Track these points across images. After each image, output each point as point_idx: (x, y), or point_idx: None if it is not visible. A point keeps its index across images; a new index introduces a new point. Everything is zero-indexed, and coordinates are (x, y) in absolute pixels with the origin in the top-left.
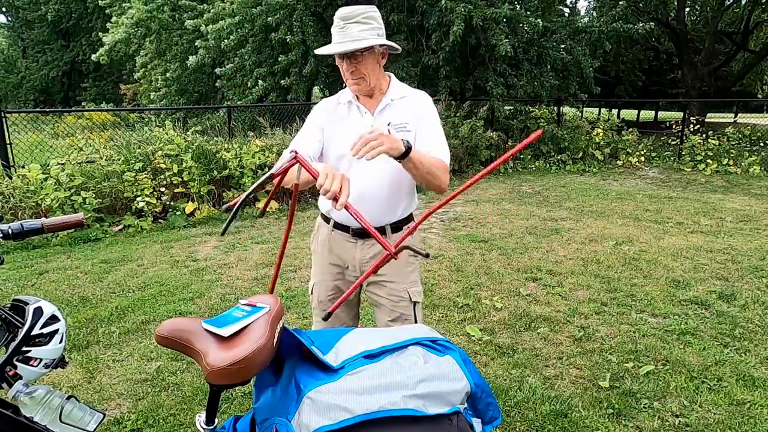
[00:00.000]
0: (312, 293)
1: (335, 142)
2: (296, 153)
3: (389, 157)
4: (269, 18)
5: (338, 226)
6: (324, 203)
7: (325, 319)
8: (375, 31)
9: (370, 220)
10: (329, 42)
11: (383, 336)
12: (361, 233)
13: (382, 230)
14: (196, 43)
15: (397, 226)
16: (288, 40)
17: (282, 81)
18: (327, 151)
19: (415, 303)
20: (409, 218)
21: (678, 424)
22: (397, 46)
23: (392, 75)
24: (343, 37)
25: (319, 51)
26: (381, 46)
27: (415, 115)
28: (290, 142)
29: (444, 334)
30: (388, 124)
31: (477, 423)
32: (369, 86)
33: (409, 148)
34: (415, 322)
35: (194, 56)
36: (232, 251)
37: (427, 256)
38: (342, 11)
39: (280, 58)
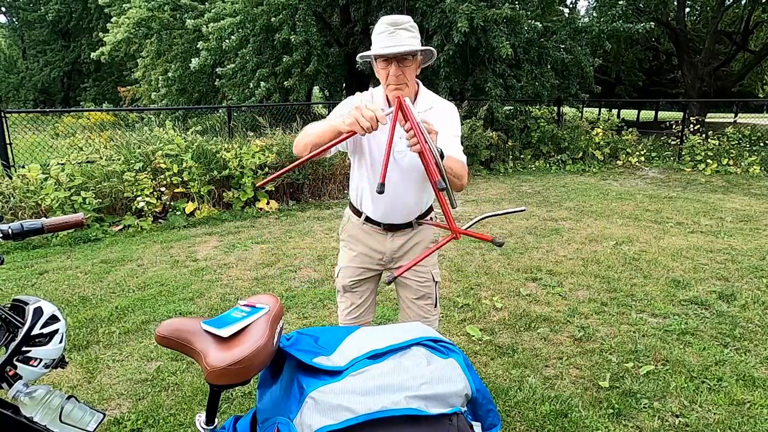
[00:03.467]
0: (338, 277)
1: (373, 146)
2: (400, 97)
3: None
4: (272, 18)
5: (370, 220)
6: (357, 198)
7: (388, 283)
8: (419, 39)
9: (402, 219)
10: (331, 42)
11: (386, 336)
12: (392, 227)
13: (409, 225)
14: (198, 45)
15: (421, 218)
16: (292, 40)
17: (285, 82)
18: (363, 151)
19: (436, 282)
20: (430, 209)
21: (678, 424)
22: (435, 54)
23: (420, 82)
24: (396, 41)
25: (377, 51)
26: (422, 54)
27: (443, 127)
28: (304, 127)
29: (444, 334)
30: None
31: (477, 426)
32: (408, 93)
33: (442, 155)
34: (436, 300)
35: (197, 58)
36: (232, 251)
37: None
38: (390, 18)
39: (284, 59)
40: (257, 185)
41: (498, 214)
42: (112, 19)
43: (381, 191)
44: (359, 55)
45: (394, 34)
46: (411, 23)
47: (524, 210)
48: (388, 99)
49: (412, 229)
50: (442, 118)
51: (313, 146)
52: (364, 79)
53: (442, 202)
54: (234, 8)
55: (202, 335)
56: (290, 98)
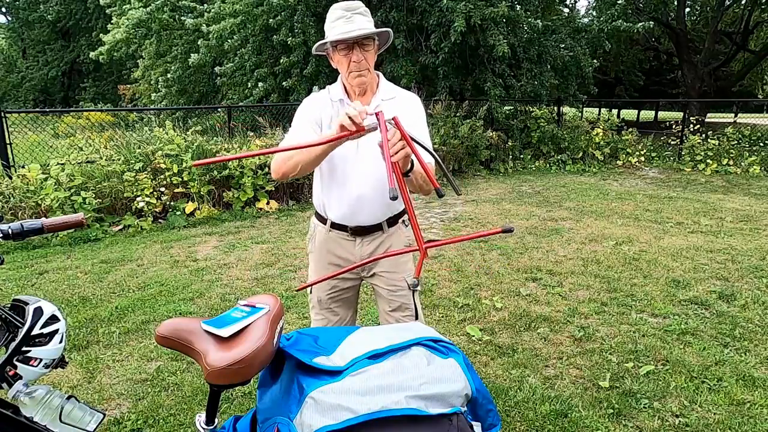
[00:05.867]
0: (311, 293)
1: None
2: (380, 113)
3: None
4: (270, 20)
5: (335, 225)
6: (321, 203)
7: (415, 286)
8: (373, 24)
9: (369, 219)
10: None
11: (387, 336)
12: (360, 230)
13: (379, 227)
14: (198, 42)
15: (393, 221)
16: (289, 42)
17: (284, 83)
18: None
19: (414, 291)
20: (403, 212)
21: (678, 424)
22: (391, 35)
23: (380, 74)
24: (353, 26)
25: (337, 37)
26: (377, 39)
27: (407, 118)
28: (281, 141)
29: (444, 334)
30: None
31: (477, 426)
32: (370, 79)
33: (413, 165)
34: (416, 309)
35: (196, 54)
36: (232, 251)
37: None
38: (344, 4)
39: (282, 60)
40: (193, 164)
41: (481, 235)
42: (112, 20)
43: (394, 196)
44: (316, 45)
45: (351, 20)
46: (364, 8)
47: (510, 230)
48: (346, 90)
49: (382, 232)
50: (406, 110)
51: (303, 164)
52: None
53: (411, 217)
54: (234, 8)
55: (202, 335)
56: (290, 98)
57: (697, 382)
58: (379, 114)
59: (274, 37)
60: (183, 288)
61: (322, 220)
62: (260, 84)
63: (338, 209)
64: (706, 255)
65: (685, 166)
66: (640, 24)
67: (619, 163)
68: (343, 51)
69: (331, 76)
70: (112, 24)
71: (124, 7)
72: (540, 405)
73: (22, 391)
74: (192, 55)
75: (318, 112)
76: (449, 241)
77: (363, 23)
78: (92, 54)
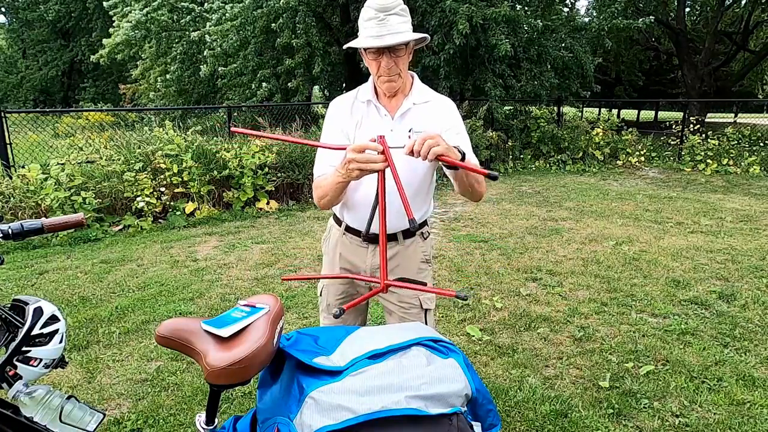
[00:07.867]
0: (321, 296)
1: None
2: (382, 137)
3: (443, 164)
4: (272, 24)
5: (350, 229)
6: (339, 204)
7: (337, 316)
8: (410, 24)
9: (388, 226)
10: (332, 42)
11: (387, 336)
12: (374, 238)
13: (393, 237)
14: (204, 53)
15: (409, 232)
16: (293, 43)
17: (289, 84)
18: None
19: (426, 310)
20: (424, 224)
21: (678, 424)
22: (428, 39)
23: (415, 75)
24: (385, 30)
25: (364, 44)
26: (416, 40)
27: (441, 124)
28: (318, 157)
29: (444, 334)
30: (409, 130)
31: (477, 426)
32: (401, 84)
33: (464, 155)
34: None
35: (205, 65)
36: (232, 251)
37: (424, 284)
38: (378, 2)
39: (287, 61)
40: (233, 130)
41: (437, 291)
42: (114, 22)
43: (414, 227)
44: (346, 45)
45: (384, 21)
46: (401, 6)
47: (465, 298)
48: (376, 90)
49: (396, 243)
50: (441, 115)
51: (330, 200)
52: (364, 79)
53: (382, 250)
54: (234, 12)
55: (202, 335)
56: (294, 99)
57: (697, 382)
58: (381, 139)
59: (278, 40)
60: (183, 288)
61: (338, 222)
62: (264, 85)
63: (354, 212)
64: (706, 255)
65: (685, 166)
66: (641, 20)
67: (619, 163)
68: (372, 55)
69: (332, 75)
70: (113, 28)
71: (125, 10)
72: (540, 405)
73: (22, 391)
74: (202, 66)
75: (344, 121)
76: (410, 287)
77: (397, 26)
78: (93, 57)
